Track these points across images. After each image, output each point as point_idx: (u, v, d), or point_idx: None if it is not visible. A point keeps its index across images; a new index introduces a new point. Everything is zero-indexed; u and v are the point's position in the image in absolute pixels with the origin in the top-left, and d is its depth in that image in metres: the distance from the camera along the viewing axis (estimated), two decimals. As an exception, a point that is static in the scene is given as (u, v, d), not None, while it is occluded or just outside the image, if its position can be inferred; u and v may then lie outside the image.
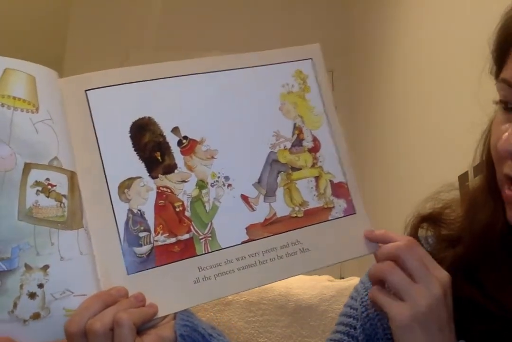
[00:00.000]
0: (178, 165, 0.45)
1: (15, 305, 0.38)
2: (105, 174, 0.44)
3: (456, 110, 1.28)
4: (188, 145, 0.46)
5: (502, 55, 0.44)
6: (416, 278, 0.42)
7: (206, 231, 0.45)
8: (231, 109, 0.48)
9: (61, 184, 0.40)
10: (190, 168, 0.46)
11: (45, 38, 2.35)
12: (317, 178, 0.49)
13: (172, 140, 0.46)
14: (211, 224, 0.45)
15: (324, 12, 2.14)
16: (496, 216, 0.46)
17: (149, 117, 0.45)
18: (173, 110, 0.46)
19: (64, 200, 0.40)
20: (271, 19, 2.12)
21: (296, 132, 0.49)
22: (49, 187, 0.40)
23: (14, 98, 0.40)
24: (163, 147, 0.45)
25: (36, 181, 0.39)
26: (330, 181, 0.49)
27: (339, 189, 0.49)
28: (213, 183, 0.46)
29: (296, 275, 0.47)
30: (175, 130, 0.46)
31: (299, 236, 0.47)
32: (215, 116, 0.47)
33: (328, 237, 0.48)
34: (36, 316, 0.39)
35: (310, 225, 0.48)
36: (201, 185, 0.46)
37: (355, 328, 0.51)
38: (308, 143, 0.49)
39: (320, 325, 0.76)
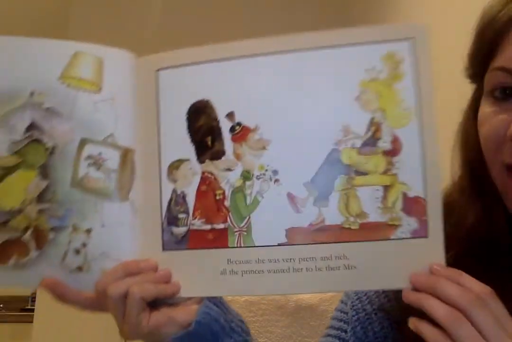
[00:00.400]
0: (226, 153, 0.43)
1: (64, 257, 0.44)
2: (159, 153, 0.44)
3: (456, 110, 1.04)
4: (240, 132, 0.43)
5: (493, 45, 0.43)
6: (487, 337, 0.35)
7: (242, 225, 0.42)
8: (298, 95, 0.42)
9: (112, 159, 0.43)
10: (237, 156, 0.43)
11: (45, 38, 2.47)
12: (386, 188, 0.41)
13: (225, 126, 0.43)
14: (249, 218, 0.42)
15: (324, 12, 2.02)
16: (488, 213, 0.45)
17: (207, 100, 0.44)
18: (232, 93, 0.43)
19: (112, 174, 0.44)
20: (271, 19, 2.00)
21: (372, 129, 0.41)
22: (101, 161, 0.43)
23: (80, 79, 0.44)
24: (215, 132, 0.43)
25: (89, 155, 0.43)
26: (404, 193, 0.40)
27: (413, 205, 0.40)
28: (259, 176, 0.42)
29: (332, 292, 0.41)
30: (230, 115, 0.43)
31: (347, 250, 0.40)
32: (276, 102, 0.43)
33: (383, 258, 0.40)
34: (79, 269, 0.44)
35: (364, 241, 0.40)
36: (246, 175, 0.42)
37: (346, 332, 0.51)
38: (385, 144, 0.41)
39: (320, 325, 0.74)
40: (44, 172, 0.43)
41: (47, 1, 2.38)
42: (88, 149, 0.43)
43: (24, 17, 2.45)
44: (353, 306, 0.50)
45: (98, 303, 0.43)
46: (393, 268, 0.40)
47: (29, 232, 0.43)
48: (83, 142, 0.43)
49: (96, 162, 0.43)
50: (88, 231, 0.43)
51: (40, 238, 0.43)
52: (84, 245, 0.43)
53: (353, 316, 0.50)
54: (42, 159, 0.43)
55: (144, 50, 0.45)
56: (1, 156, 0.43)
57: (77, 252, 0.43)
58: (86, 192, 0.43)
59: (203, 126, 0.44)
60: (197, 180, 0.43)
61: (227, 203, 0.43)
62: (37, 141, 0.43)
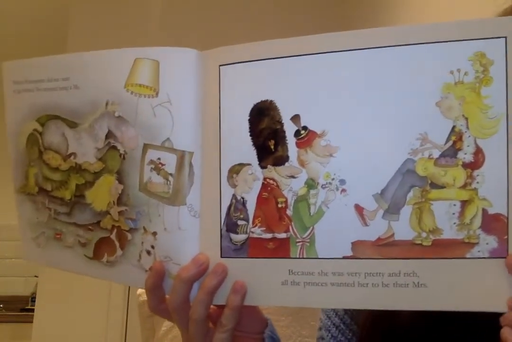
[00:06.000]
0: (290, 158, 0.40)
1: (140, 256, 0.45)
2: (220, 155, 0.42)
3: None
4: (305, 137, 0.40)
5: None
6: None
7: (305, 235, 0.41)
8: (372, 99, 0.38)
9: (169, 163, 0.43)
10: (302, 163, 0.40)
11: (45, 38, 2.36)
12: (464, 203, 0.37)
13: (289, 129, 0.40)
14: (313, 228, 0.40)
15: (324, 12, 2.04)
16: None
17: (271, 101, 0.41)
18: (299, 94, 0.40)
19: (170, 178, 0.43)
20: (271, 19, 2.03)
21: (453, 138, 0.37)
22: (160, 165, 0.44)
23: (140, 85, 0.44)
24: (279, 136, 0.41)
25: (151, 160, 0.44)
26: (484, 210, 0.37)
27: (493, 223, 0.37)
28: (324, 185, 0.40)
29: (397, 309, 0.39)
30: (295, 118, 0.40)
31: (417, 267, 0.38)
32: (347, 106, 0.39)
33: (456, 278, 0.38)
34: (151, 270, 0.45)
35: (436, 258, 0.38)
36: (311, 184, 0.40)
37: None
38: (466, 155, 0.37)
39: (320, 325, 0.72)
40: (120, 176, 0.45)
41: (47, 1, 2.36)
42: (150, 154, 0.44)
43: (24, 17, 2.45)
44: (324, 326, 0.54)
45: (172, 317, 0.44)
46: (466, 288, 0.37)
47: (114, 232, 0.46)
48: (145, 148, 0.44)
49: (156, 167, 0.44)
50: (154, 234, 0.44)
51: (122, 238, 0.46)
52: (152, 247, 0.45)
53: (327, 335, 0.54)
54: (118, 165, 0.45)
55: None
56: (91, 162, 0.47)
57: (149, 253, 0.45)
58: (150, 196, 0.44)
59: (265, 130, 0.41)
60: (258, 186, 0.42)
61: (289, 211, 0.41)
62: (114, 148, 0.46)
